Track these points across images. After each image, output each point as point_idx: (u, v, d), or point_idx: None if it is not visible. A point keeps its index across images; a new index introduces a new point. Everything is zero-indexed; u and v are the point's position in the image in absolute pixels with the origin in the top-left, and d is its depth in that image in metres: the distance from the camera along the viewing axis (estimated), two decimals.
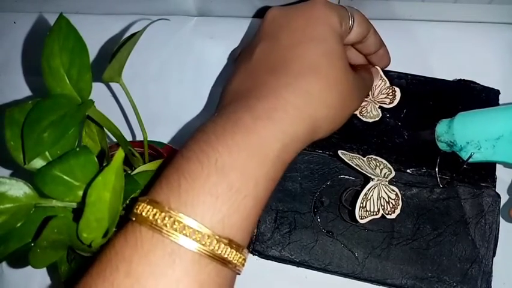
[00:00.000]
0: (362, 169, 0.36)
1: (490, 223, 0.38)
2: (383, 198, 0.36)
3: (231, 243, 0.25)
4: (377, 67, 0.41)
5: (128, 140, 0.34)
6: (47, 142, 0.26)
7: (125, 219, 0.26)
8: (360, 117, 0.41)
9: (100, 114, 0.30)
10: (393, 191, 0.37)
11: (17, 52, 0.50)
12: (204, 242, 0.24)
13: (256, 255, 0.39)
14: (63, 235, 0.25)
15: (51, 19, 0.30)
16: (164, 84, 0.48)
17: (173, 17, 0.48)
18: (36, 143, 0.26)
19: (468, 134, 0.35)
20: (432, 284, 0.37)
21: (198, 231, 0.24)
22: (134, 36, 0.30)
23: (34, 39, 0.51)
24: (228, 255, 0.24)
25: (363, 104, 0.41)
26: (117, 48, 0.30)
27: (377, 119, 0.41)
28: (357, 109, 0.39)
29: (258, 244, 0.39)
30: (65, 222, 0.25)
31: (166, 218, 0.24)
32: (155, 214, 0.24)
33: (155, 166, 0.31)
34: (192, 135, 0.28)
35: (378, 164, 0.38)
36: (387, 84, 0.41)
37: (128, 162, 0.36)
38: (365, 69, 0.40)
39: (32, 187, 0.26)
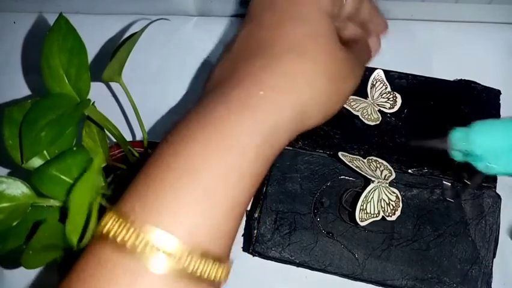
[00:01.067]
0: (362, 171, 0.36)
1: (490, 224, 0.38)
2: (383, 200, 0.36)
3: (206, 254, 0.22)
4: (380, 70, 0.41)
5: (128, 140, 0.34)
6: (44, 141, 0.26)
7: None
8: (362, 118, 0.41)
9: (99, 114, 0.30)
10: (394, 193, 0.37)
11: (17, 52, 0.50)
12: (172, 258, 0.21)
13: (256, 256, 0.39)
14: (55, 240, 0.25)
15: (51, 19, 0.30)
16: (164, 84, 0.48)
17: (173, 17, 0.48)
18: (34, 142, 0.26)
19: (486, 144, 0.33)
20: (432, 285, 0.37)
21: (164, 246, 0.21)
22: (134, 36, 0.30)
23: (34, 39, 0.51)
24: (201, 270, 0.21)
25: (364, 105, 0.41)
26: (117, 48, 0.30)
27: (377, 122, 0.41)
28: (354, 88, 0.31)
29: (258, 245, 0.39)
30: (54, 224, 0.25)
31: (131, 231, 0.21)
32: (118, 227, 0.21)
33: None
34: (164, 135, 0.25)
35: (378, 165, 0.38)
36: (388, 89, 0.41)
37: (128, 162, 0.36)
38: (361, 42, 0.34)
39: (30, 186, 0.26)
